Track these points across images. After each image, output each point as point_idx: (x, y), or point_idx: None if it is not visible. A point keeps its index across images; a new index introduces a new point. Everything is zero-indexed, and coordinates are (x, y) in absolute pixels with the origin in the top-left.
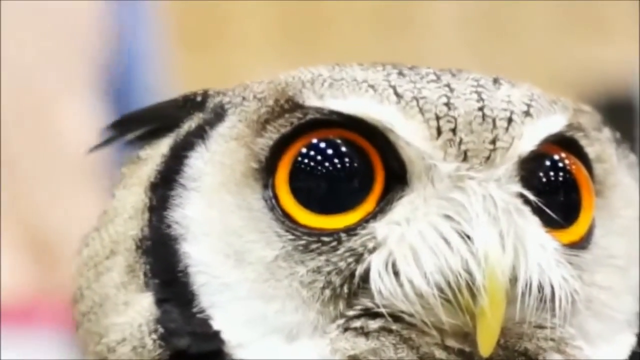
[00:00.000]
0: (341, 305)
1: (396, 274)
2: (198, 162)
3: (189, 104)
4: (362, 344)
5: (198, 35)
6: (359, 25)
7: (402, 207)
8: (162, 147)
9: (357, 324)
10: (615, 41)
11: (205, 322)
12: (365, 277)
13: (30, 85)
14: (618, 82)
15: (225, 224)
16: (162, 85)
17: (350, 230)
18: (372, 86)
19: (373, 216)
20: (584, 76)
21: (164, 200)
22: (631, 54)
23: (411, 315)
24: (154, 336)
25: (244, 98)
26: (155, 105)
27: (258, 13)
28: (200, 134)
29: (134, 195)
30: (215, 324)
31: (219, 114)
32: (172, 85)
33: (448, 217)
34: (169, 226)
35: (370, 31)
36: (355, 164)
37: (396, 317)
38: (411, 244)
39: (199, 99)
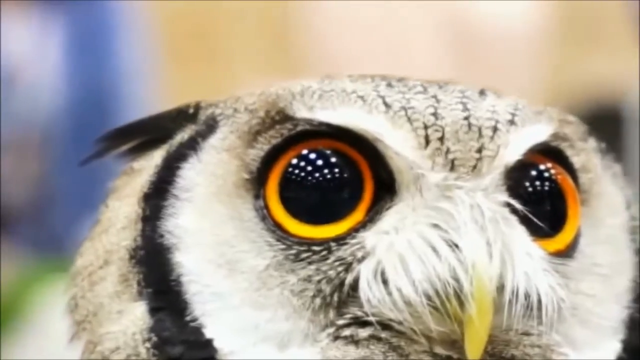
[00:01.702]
0: (331, 313)
1: (385, 282)
2: (190, 172)
3: (182, 115)
4: (352, 352)
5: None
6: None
7: (390, 217)
8: (155, 158)
9: (347, 332)
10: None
11: (197, 331)
12: (355, 285)
13: None
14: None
15: (217, 234)
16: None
17: (340, 240)
18: (361, 97)
19: (362, 226)
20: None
21: (157, 211)
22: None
23: (400, 323)
24: (148, 345)
25: (235, 110)
26: (148, 117)
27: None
28: (192, 145)
29: (127, 206)
30: (208, 333)
31: (211, 126)
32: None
33: (436, 226)
34: (161, 236)
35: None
36: (345, 174)
37: (385, 325)
38: (400, 252)
39: (191, 110)
